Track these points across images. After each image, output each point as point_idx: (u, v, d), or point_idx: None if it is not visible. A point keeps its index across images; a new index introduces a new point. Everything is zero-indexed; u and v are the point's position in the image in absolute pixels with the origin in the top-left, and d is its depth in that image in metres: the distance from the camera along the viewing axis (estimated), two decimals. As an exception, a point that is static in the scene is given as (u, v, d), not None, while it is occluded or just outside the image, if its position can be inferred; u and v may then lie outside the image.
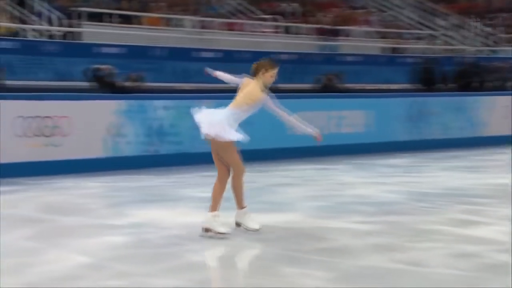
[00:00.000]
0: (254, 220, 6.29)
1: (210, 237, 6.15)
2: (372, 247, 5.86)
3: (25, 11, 14.23)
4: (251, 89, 6.07)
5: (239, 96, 6.13)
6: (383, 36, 19.97)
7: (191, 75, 14.42)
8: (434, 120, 14.27)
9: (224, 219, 6.27)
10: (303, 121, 6.29)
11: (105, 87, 11.95)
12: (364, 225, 6.73)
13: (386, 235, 6.31)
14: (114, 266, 5.35)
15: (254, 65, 6.13)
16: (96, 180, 9.61)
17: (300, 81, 16.38)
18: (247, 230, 6.25)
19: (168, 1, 17.00)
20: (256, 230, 6.23)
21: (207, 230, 6.14)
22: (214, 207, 6.18)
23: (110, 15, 15.29)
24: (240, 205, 6.30)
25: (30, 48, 13.23)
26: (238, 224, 6.32)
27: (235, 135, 6.01)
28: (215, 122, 6.01)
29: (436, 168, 11.24)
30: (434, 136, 14.21)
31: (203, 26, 16.78)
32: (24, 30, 13.94)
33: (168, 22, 16.29)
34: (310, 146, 12.53)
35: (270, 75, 6.11)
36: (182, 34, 16.10)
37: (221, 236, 6.10)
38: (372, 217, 7.14)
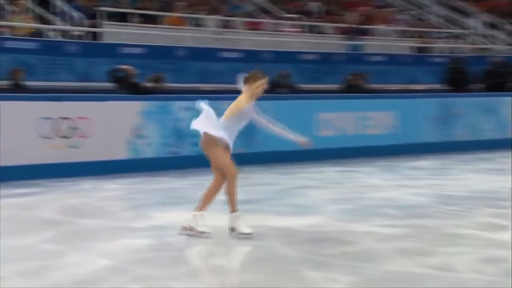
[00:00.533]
0: (246, 224, 6.37)
1: (190, 235, 6.26)
2: (398, 251, 5.86)
3: (46, 11, 14.37)
4: (237, 99, 6.31)
5: (228, 107, 6.33)
6: (410, 35, 19.89)
7: (213, 76, 14.47)
8: (462, 121, 14.20)
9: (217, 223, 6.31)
10: (288, 130, 6.57)
11: (126, 88, 12.03)
12: (390, 228, 6.73)
13: (412, 239, 6.31)
14: (136, 269, 5.40)
15: (244, 76, 6.34)
16: (116, 182, 9.69)
17: (324, 81, 16.37)
18: (240, 234, 6.31)
19: (190, 0, 17.07)
20: (249, 234, 6.28)
21: (188, 228, 6.28)
22: (201, 207, 6.35)
23: (131, 15, 15.39)
24: (233, 209, 6.37)
25: (50, 49, 13.35)
26: (231, 229, 6.37)
27: (221, 134, 6.16)
28: (206, 122, 6.26)
29: (464, 171, 11.19)
30: (462, 138, 14.13)
31: (225, 25, 16.84)
32: (45, 30, 14.08)
33: (189, 22, 16.36)
34: (333, 148, 12.65)
35: (257, 86, 6.28)
36: (204, 34, 16.16)
37: (202, 235, 6.23)
38: (398, 220, 7.13)
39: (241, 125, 6.33)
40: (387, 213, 7.50)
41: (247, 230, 6.32)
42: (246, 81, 6.34)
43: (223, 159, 6.25)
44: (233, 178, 6.29)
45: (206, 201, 6.39)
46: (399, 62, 17.94)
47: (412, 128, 13.52)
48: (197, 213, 6.36)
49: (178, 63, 14.66)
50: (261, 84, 6.29)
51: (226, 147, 6.26)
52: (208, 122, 6.27)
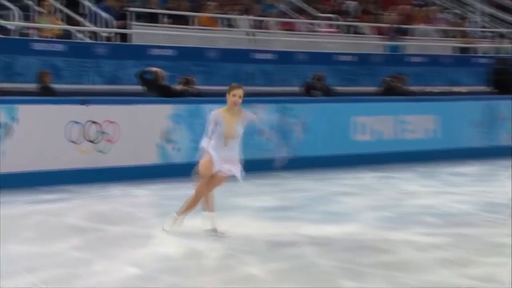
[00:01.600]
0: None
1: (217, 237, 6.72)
2: (439, 261, 5.82)
3: (74, 12, 14.52)
4: None
5: None
6: (452, 35, 19.74)
7: (245, 78, 14.51)
8: (507, 125, 14.05)
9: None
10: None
11: (155, 90, 12.12)
12: (430, 237, 6.69)
13: (454, 249, 6.27)
14: (165, 278, 5.44)
15: None
16: (146, 188, 9.77)
17: (361, 83, 16.33)
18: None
19: (221, 0, 17.15)
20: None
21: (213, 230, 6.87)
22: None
23: (161, 15, 15.49)
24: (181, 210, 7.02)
25: (78, 51, 13.49)
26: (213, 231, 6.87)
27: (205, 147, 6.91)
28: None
29: (509, 177, 11.07)
30: (507, 143, 13.99)
31: (257, 26, 16.88)
32: (73, 32, 14.24)
33: (221, 22, 16.43)
34: (371, 153, 12.62)
35: (230, 96, 6.85)
36: (236, 34, 16.22)
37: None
38: (438, 229, 7.09)
39: (219, 132, 6.80)
40: (427, 221, 7.47)
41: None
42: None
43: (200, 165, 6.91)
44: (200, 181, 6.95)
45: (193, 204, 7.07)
46: (440, 63, 17.82)
47: (454, 132, 13.42)
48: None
49: (209, 65, 14.73)
50: (234, 94, 6.84)
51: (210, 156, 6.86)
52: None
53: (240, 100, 6.86)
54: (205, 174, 6.90)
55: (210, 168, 6.87)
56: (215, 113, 6.86)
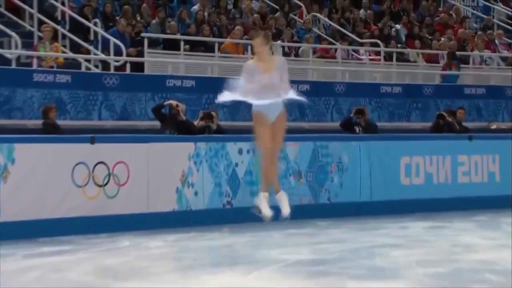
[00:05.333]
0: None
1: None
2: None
3: (80, 39, 14.69)
4: None
5: None
6: (512, 62, 19.67)
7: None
8: None
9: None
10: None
11: (173, 127, 12.20)
12: (490, 298, 6.62)
13: (518, 311, 6.19)
14: None
15: None
16: (161, 239, 9.76)
17: (410, 119, 16.31)
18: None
19: (248, 25, 17.31)
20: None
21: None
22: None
23: (180, 41, 15.61)
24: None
25: (85, 82, 13.63)
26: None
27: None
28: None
29: None
30: None
31: (290, 53, 16.98)
32: (79, 60, 14.40)
33: (247, 49, 16.56)
34: (421, 199, 12.53)
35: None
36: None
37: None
38: (500, 288, 7.01)
39: (257, 84, 7.66)
40: (488, 280, 7.38)
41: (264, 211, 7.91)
42: None
43: (256, 131, 7.96)
44: (261, 154, 7.85)
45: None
46: (502, 96, 17.75)
47: (515, 175, 13.31)
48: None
49: (234, 97, 14.80)
50: (254, 42, 7.83)
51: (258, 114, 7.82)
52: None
53: (261, 49, 7.72)
54: (266, 146, 7.75)
55: (268, 135, 7.70)
56: (247, 63, 7.71)
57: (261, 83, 7.66)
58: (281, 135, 7.98)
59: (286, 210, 8.14)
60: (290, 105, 14.96)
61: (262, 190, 8.01)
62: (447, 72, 18.00)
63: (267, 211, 8.04)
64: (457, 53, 18.68)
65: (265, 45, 7.71)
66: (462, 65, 18.53)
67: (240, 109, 14.71)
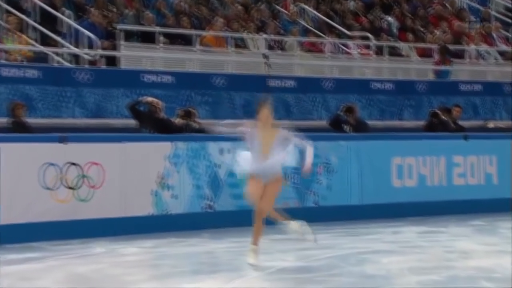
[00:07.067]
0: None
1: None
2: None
3: (50, 31, 14.62)
4: None
5: None
6: (510, 58, 19.74)
7: (255, 110, 14.53)
8: None
9: None
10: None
11: (150, 125, 12.19)
12: (487, 307, 6.66)
13: (517, 321, 6.23)
14: None
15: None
16: (136, 245, 9.77)
17: (403, 117, 16.34)
18: None
19: (231, 16, 17.29)
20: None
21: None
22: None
23: (157, 34, 15.58)
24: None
25: (54, 77, 13.58)
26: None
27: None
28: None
29: None
30: None
31: (275, 47, 16.98)
32: (48, 54, 14.33)
33: (229, 43, 16.55)
34: (413, 202, 12.58)
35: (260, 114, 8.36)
36: (248, 57, 16.31)
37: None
38: (497, 296, 7.06)
39: (252, 149, 8.26)
40: (485, 287, 7.42)
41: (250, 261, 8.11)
42: None
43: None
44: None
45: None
46: (500, 92, 17.81)
47: (513, 177, 13.38)
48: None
49: (215, 94, 14.81)
50: (261, 112, 8.29)
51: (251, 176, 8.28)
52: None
53: (267, 120, 8.21)
54: (254, 199, 8.14)
55: (256, 193, 8.15)
56: (249, 130, 8.24)
57: (258, 152, 8.23)
58: (271, 198, 8.28)
59: (310, 238, 8.68)
60: (275, 102, 15.05)
61: (251, 243, 8.27)
62: (441, 67, 18.05)
63: (252, 261, 8.21)
64: (452, 47, 18.73)
65: (271, 116, 8.27)
66: (457, 60, 18.57)
67: (221, 105, 14.71)
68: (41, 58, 14.24)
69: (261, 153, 8.20)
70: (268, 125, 8.26)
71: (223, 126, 8.83)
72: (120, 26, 15.16)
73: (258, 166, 8.20)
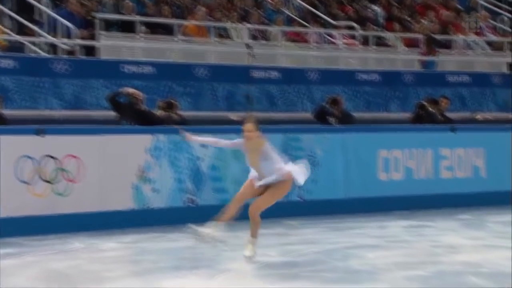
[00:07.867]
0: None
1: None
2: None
3: (27, 20, 14.56)
4: None
5: None
6: (504, 48, 19.78)
7: (242, 102, 14.57)
8: None
9: None
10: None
11: (130, 117, 12.16)
12: (474, 302, 6.69)
13: (505, 317, 6.26)
14: None
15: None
16: (116, 240, 9.75)
17: (389, 109, 16.38)
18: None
19: (213, 5, 17.28)
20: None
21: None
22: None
23: (137, 24, 15.55)
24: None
25: (31, 67, 13.53)
26: None
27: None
28: None
29: None
30: None
31: (258, 37, 16.97)
32: (25, 43, 14.29)
33: (212, 32, 16.53)
34: (400, 196, 12.61)
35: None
36: (231, 47, 16.30)
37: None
38: (485, 291, 7.09)
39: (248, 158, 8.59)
40: (472, 283, 7.46)
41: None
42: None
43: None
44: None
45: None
46: (488, 83, 17.87)
47: (505, 170, 13.42)
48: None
49: (197, 85, 14.80)
50: (245, 126, 8.50)
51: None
52: None
53: (250, 134, 8.39)
54: (236, 197, 8.48)
55: (244, 191, 8.49)
56: (239, 142, 8.54)
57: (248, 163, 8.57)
58: (265, 200, 8.43)
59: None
60: (259, 94, 15.07)
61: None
62: (427, 58, 18.08)
63: (248, 254, 8.38)
64: (439, 37, 18.76)
65: (255, 131, 8.45)
66: (445, 50, 18.60)
67: (204, 97, 14.69)
68: (17, 47, 14.20)
69: (251, 166, 8.51)
70: (253, 139, 8.44)
71: (202, 141, 9.32)
72: (99, 15, 15.13)
73: (256, 175, 8.48)
